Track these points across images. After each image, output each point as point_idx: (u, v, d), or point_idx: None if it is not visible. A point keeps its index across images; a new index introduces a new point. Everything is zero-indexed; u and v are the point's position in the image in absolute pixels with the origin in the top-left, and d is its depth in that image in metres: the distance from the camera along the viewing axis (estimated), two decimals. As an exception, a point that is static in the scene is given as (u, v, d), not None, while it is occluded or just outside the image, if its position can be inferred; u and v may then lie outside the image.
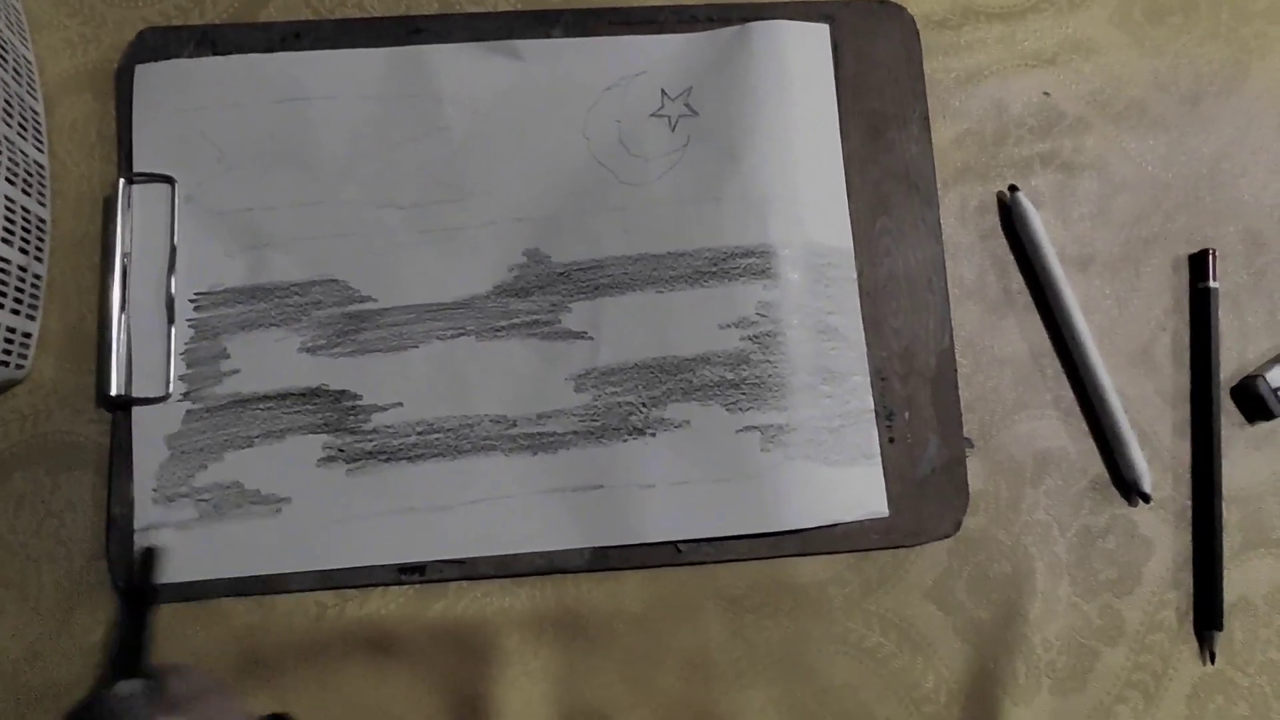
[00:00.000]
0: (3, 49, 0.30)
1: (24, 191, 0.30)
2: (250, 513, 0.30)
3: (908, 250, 0.34)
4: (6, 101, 0.29)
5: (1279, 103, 0.37)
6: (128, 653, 0.27)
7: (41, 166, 0.32)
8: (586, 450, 0.31)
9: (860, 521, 0.32)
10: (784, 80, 0.33)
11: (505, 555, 0.31)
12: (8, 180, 0.29)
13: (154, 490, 0.30)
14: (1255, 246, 0.36)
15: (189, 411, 0.31)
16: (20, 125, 0.30)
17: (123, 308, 0.31)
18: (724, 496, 0.31)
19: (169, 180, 0.32)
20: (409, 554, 0.30)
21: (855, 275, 0.33)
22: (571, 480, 0.31)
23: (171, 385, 0.31)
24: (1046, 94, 0.36)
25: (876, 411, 0.33)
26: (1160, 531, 0.34)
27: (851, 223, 0.34)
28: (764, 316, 0.32)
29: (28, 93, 0.31)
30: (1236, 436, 0.34)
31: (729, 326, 0.32)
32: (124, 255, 0.32)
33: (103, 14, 0.33)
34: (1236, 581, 0.33)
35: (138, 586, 0.29)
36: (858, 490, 0.32)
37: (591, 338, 0.32)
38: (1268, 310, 0.35)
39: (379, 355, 0.32)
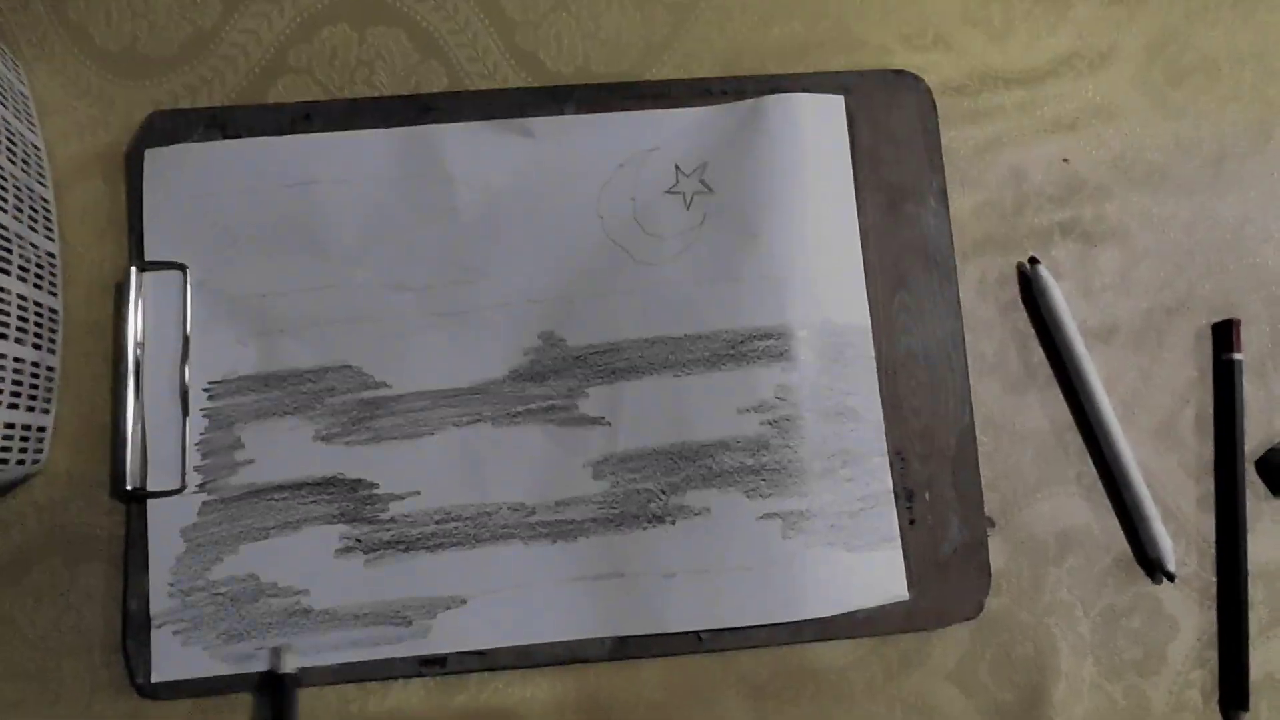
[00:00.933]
0: (11, 140, 0.30)
1: (35, 286, 0.30)
2: (268, 605, 0.30)
3: (926, 327, 0.33)
4: (17, 195, 0.29)
5: (1304, 165, 0.36)
6: None
7: (52, 256, 0.31)
8: (606, 538, 0.31)
9: (881, 605, 0.31)
10: (800, 155, 0.33)
11: (526, 645, 0.30)
12: (19, 278, 0.29)
13: (170, 585, 0.30)
14: (1280, 313, 0.35)
15: (205, 504, 0.31)
16: (30, 217, 0.30)
17: (136, 398, 0.31)
18: (745, 585, 0.31)
19: (180, 267, 0.32)
20: (430, 646, 0.30)
21: (874, 354, 0.33)
22: (591, 569, 0.31)
23: (187, 477, 0.31)
24: (1066, 161, 0.35)
25: (896, 493, 0.32)
26: (1185, 609, 0.33)
27: (869, 299, 0.33)
28: (783, 400, 0.32)
29: (37, 182, 0.31)
30: (1262, 510, 0.34)
31: (748, 411, 0.32)
32: (136, 345, 0.31)
33: (111, 95, 0.33)
34: (1263, 659, 0.33)
35: (276, 682, 0.29)
36: (879, 574, 0.31)
37: (609, 423, 0.32)
38: (1293, 379, 0.35)
39: (394, 443, 0.31)
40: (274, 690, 0.30)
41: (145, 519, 0.31)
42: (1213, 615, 0.33)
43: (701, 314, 0.32)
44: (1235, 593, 0.33)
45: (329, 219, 0.32)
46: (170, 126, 0.32)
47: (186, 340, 0.32)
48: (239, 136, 0.32)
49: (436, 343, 0.32)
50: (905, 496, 0.32)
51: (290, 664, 0.30)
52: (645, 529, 0.31)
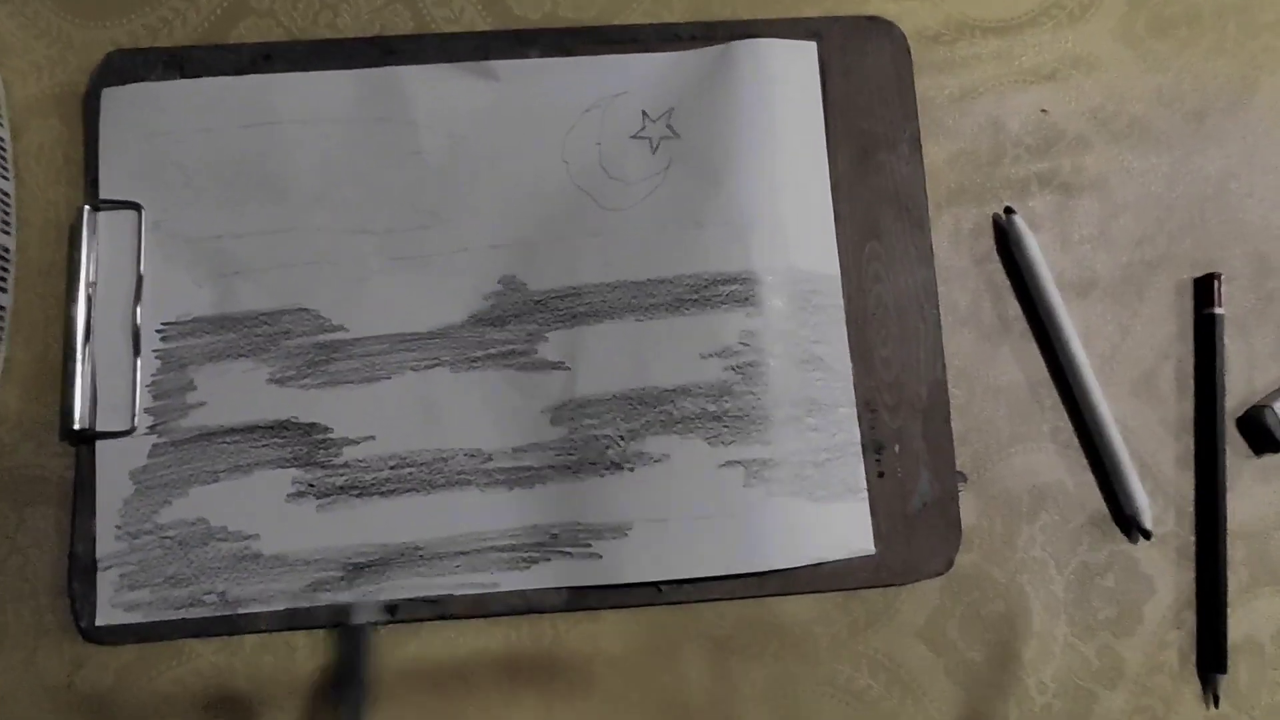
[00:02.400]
0: (-36, 75, 0.29)
1: (-14, 221, 0.29)
2: (217, 550, 0.30)
3: (898, 277, 0.32)
4: (-32, 129, 0.29)
5: (1289, 119, 0.35)
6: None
7: (6, 196, 0.31)
8: (563, 485, 0.30)
9: (848, 559, 0.30)
10: (769, 100, 0.32)
11: (480, 595, 0.30)
12: (-32, 210, 0.28)
13: (117, 527, 0.30)
14: (1263, 270, 0.34)
15: (154, 445, 0.30)
16: (-17, 153, 0.30)
17: (87, 339, 0.30)
18: (705, 535, 0.30)
19: (135, 207, 0.31)
20: (381, 594, 0.30)
21: (842, 303, 0.32)
22: (548, 515, 0.30)
23: (137, 419, 0.30)
24: (1044, 111, 0.34)
25: (865, 445, 0.31)
26: (1162, 569, 0.32)
27: (839, 248, 0.32)
28: (747, 346, 0.31)
29: (-8, 119, 0.31)
30: (1243, 469, 0.33)
31: (711, 356, 0.31)
32: (89, 284, 0.31)
33: (69, 35, 0.32)
34: (1242, 621, 0.32)
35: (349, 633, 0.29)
36: (844, 527, 0.31)
37: (569, 368, 0.31)
38: (1276, 337, 0.34)
39: (350, 386, 0.31)
40: (347, 639, 0.29)
41: (94, 460, 0.30)
42: (1191, 575, 0.32)
43: (665, 258, 0.31)
44: (1214, 552, 0.32)
45: (288, 161, 0.32)
46: (128, 66, 0.32)
47: (140, 280, 0.31)
48: (198, 76, 0.32)
49: (396, 287, 0.31)
50: (874, 449, 0.31)
51: (363, 615, 0.29)
52: (603, 476, 0.30)
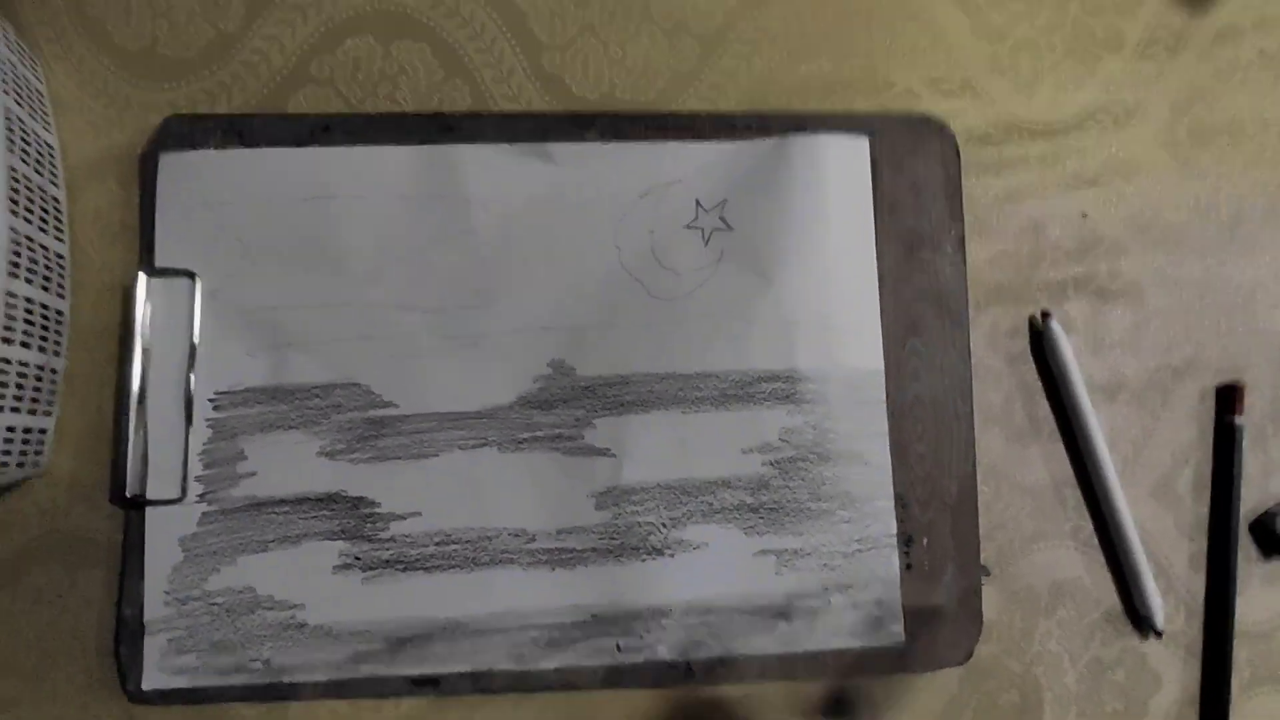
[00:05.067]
0: (25, 140, 0.29)
1: (43, 288, 0.29)
2: (263, 618, 0.30)
3: (936, 374, 0.33)
4: (29, 197, 0.29)
5: (1318, 231, 0.36)
6: None
7: (61, 258, 0.31)
8: (605, 568, 0.31)
9: (875, 647, 0.32)
10: (821, 196, 0.33)
11: (519, 671, 0.31)
12: (26, 280, 0.28)
13: (166, 592, 0.30)
14: (1284, 379, 0.36)
15: (204, 514, 0.31)
16: (41, 219, 0.30)
17: (140, 406, 0.31)
18: (738, 618, 0.31)
19: (190, 275, 0.31)
20: (423, 667, 0.31)
21: (884, 398, 0.33)
22: (588, 597, 0.31)
23: (187, 487, 0.31)
24: (1085, 215, 0.35)
25: (896, 537, 0.33)
26: (1170, 665, 0.34)
27: (882, 344, 0.33)
28: (786, 443, 0.32)
29: (49, 182, 0.31)
30: (1252, 572, 0.34)
31: (751, 451, 0.32)
32: (143, 351, 0.31)
33: (127, 96, 0.32)
34: (1243, 717, 0.34)
35: None
36: (874, 616, 0.32)
37: (615, 455, 0.32)
38: (1292, 445, 0.35)
39: (399, 463, 0.31)
40: None
41: (144, 526, 0.31)
42: (1196, 672, 0.34)
43: (713, 353, 0.32)
44: (1221, 651, 0.33)
45: (344, 235, 0.32)
46: (186, 131, 0.32)
47: (193, 349, 0.31)
48: (256, 145, 0.32)
49: (446, 365, 0.32)
50: (904, 541, 0.32)
51: None
52: (644, 560, 0.31)
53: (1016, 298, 0.35)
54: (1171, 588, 0.34)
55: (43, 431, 0.30)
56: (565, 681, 0.31)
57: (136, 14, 0.33)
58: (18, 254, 0.28)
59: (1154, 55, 0.36)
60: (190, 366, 0.31)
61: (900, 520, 0.32)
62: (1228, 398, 0.35)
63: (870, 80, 0.35)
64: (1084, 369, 0.34)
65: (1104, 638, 0.34)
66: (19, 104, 0.29)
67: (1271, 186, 0.36)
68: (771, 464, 0.32)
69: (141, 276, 0.31)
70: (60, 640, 0.30)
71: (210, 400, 0.31)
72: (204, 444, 0.31)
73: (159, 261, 0.32)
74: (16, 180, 0.28)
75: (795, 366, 0.32)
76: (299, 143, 0.32)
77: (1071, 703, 0.33)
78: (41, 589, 0.30)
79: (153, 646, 0.30)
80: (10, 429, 0.28)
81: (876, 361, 0.33)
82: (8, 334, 0.27)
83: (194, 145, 0.32)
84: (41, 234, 0.30)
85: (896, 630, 0.32)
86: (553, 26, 0.34)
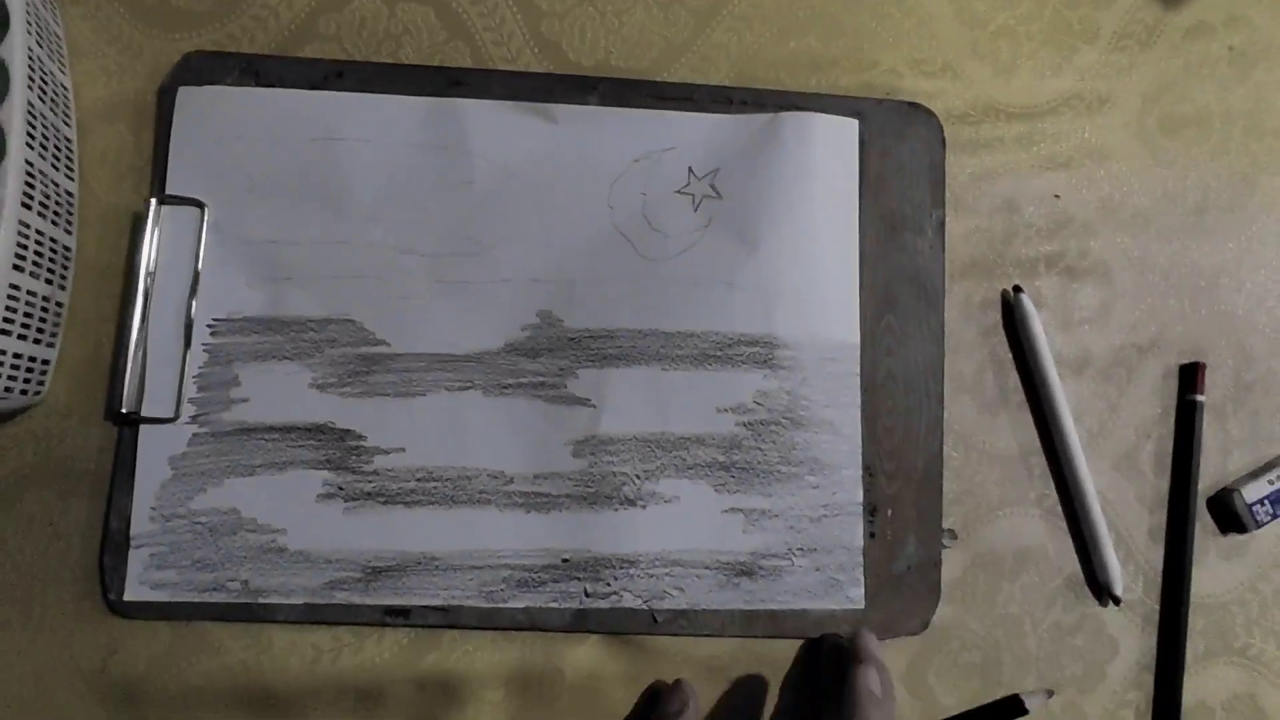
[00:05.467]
0: (44, 79, 0.30)
1: (53, 223, 0.30)
2: (245, 540, 0.31)
3: (909, 351, 0.34)
4: (44, 134, 0.30)
5: (1282, 222, 0.38)
6: None
7: (70, 195, 0.32)
8: (578, 514, 0.32)
9: (833, 610, 0.33)
10: (810, 173, 0.34)
11: (489, 608, 0.32)
12: (39, 213, 0.29)
13: (152, 509, 0.31)
14: (1244, 361, 0.37)
15: (195, 435, 0.32)
16: (54, 156, 0.31)
17: (141, 326, 0.32)
18: (703, 572, 0.32)
19: (199, 205, 0.33)
20: (395, 598, 0.31)
21: (858, 371, 0.34)
22: (560, 541, 0.32)
23: (181, 408, 0.32)
24: (1057, 197, 0.37)
25: (862, 505, 0.33)
26: (1127, 632, 0.35)
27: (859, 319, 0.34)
28: (760, 405, 0.33)
29: (63, 121, 0.32)
30: (1209, 546, 0.36)
31: (725, 411, 0.33)
32: (148, 275, 0.32)
33: (140, 43, 0.34)
34: (1196, 687, 0.35)
35: None
36: (835, 580, 0.33)
37: (594, 405, 0.33)
38: (1250, 425, 0.36)
39: (386, 399, 0.32)
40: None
41: (136, 443, 0.32)
42: (1153, 641, 0.35)
43: (695, 314, 0.33)
44: (1176, 621, 0.34)
45: (349, 176, 0.33)
46: (205, 68, 0.33)
47: (197, 276, 0.32)
48: (271, 86, 0.33)
49: (438, 308, 0.33)
50: (869, 511, 0.33)
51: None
52: (616, 510, 0.32)
53: (989, 272, 0.36)
54: (1131, 558, 0.35)
55: (45, 362, 0.31)
56: (532, 622, 0.32)
57: (154, -34, 0.34)
58: (31, 187, 0.29)
59: (1127, 47, 0.38)
60: (193, 293, 0.32)
61: (866, 490, 0.33)
62: (1190, 376, 0.36)
63: (856, 59, 0.36)
64: (1053, 344, 0.35)
65: (1065, 603, 0.35)
66: (39, 45, 0.31)
67: (1236, 176, 0.38)
68: (745, 425, 0.33)
69: (153, 202, 0.32)
70: (50, 565, 0.31)
71: (209, 326, 0.32)
72: (200, 367, 0.32)
73: (169, 190, 0.33)
74: (34, 116, 0.29)
75: (774, 333, 0.33)
76: (312, 86, 0.34)
77: (1031, 665, 0.34)
78: (34, 515, 0.31)
79: (136, 559, 0.31)
80: (17, 356, 0.29)
81: (853, 335, 0.34)
82: (19, 263, 0.28)
83: (211, 81, 0.33)
84: (54, 170, 0.31)
85: (857, 595, 0.33)
86: (553, -5, 0.35)
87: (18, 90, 0.28)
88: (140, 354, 0.32)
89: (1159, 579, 0.35)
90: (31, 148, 0.29)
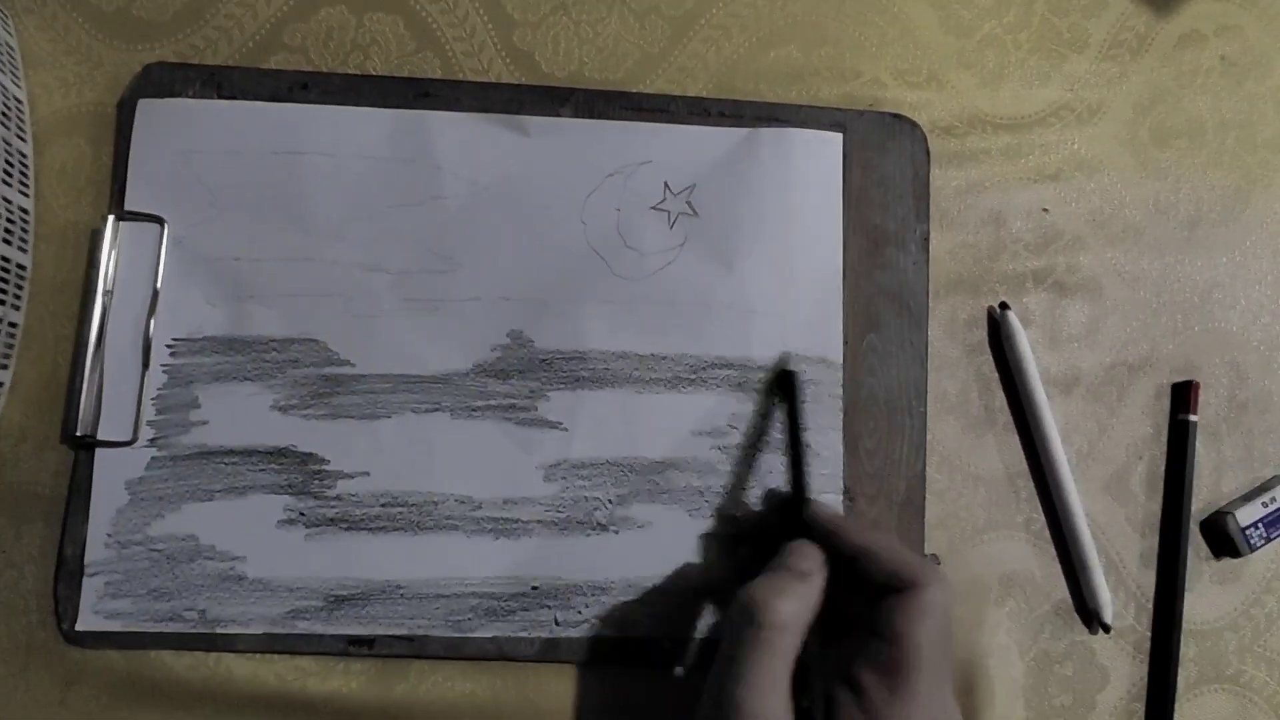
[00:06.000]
0: (-7, 91, 0.30)
1: (4, 241, 0.30)
2: (203, 568, 0.30)
3: (891, 371, 0.33)
4: (-7, 147, 0.29)
5: (1276, 236, 0.37)
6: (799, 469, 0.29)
7: (25, 211, 0.31)
8: (548, 540, 0.31)
9: None
10: (790, 189, 0.33)
11: (456, 637, 0.31)
12: (-12, 230, 0.28)
13: (108, 535, 0.30)
14: (1238, 380, 0.36)
15: (153, 458, 0.31)
16: (5, 172, 0.30)
17: (98, 346, 0.31)
18: (677, 599, 0.31)
19: (159, 220, 0.32)
20: (359, 627, 0.30)
21: (840, 393, 0.33)
22: (530, 568, 0.31)
23: (139, 430, 0.31)
24: (1046, 210, 0.35)
25: (843, 528, 0.32)
26: (1117, 660, 0.34)
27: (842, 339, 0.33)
28: (735, 429, 0.32)
29: (16, 135, 0.31)
30: (1202, 570, 0.34)
31: (701, 434, 0.32)
32: (105, 293, 0.31)
33: (100, 54, 0.33)
34: (1188, 715, 0.33)
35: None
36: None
37: (566, 429, 0.32)
38: (1244, 445, 0.35)
39: (351, 421, 0.31)
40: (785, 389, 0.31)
41: (91, 467, 0.31)
42: (1144, 669, 0.34)
43: (670, 336, 0.32)
44: (1167, 649, 0.33)
45: (313, 191, 0.32)
46: (166, 80, 0.32)
47: (156, 294, 0.31)
48: (234, 98, 0.32)
49: (405, 328, 0.32)
50: (850, 532, 0.33)
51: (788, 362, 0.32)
52: (588, 535, 0.31)
53: (975, 289, 0.35)
54: (1122, 583, 0.34)
55: (-3, 383, 0.30)
56: (501, 651, 0.31)
57: (113, -26, 0.33)
58: (-21, 203, 0.28)
59: (1118, 56, 0.36)
60: (151, 312, 0.31)
61: (846, 514, 0.32)
62: (1182, 395, 0.35)
63: (836, 68, 0.35)
64: (1041, 362, 0.34)
65: (1053, 631, 0.33)
66: (-11, 56, 0.30)
67: (1229, 189, 0.36)
68: (719, 449, 0.32)
69: (110, 219, 0.31)
70: (4, 596, 0.30)
71: (168, 346, 0.31)
72: (158, 389, 0.31)
73: (128, 206, 0.32)
74: (-19, 130, 0.28)
75: (750, 355, 0.32)
76: (276, 98, 0.33)
77: (1019, 695, 0.33)
78: (-15, 540, 0.30)
79: (90, 588, 0.30)
80: (-38, 377, 0.28)
81: (835, 356, 0.33)
82: (-36, 281, 0.27)
83: (173, 93, 0.32)
84: (6, 187, 0.30)
85: (839, 620, 0.32)
86: (525, 4, 0.34)
87: (-36, 105, 0.28)
88: (97, 375, 0.31)
89: (1150, 605, 0.34)
90: (-19, 164, 0.28)
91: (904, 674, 0.24)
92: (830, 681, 0.25)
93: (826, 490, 0.32)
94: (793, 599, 0.25)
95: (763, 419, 0.32)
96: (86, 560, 0.30)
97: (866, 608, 0.26)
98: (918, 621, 0.24)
